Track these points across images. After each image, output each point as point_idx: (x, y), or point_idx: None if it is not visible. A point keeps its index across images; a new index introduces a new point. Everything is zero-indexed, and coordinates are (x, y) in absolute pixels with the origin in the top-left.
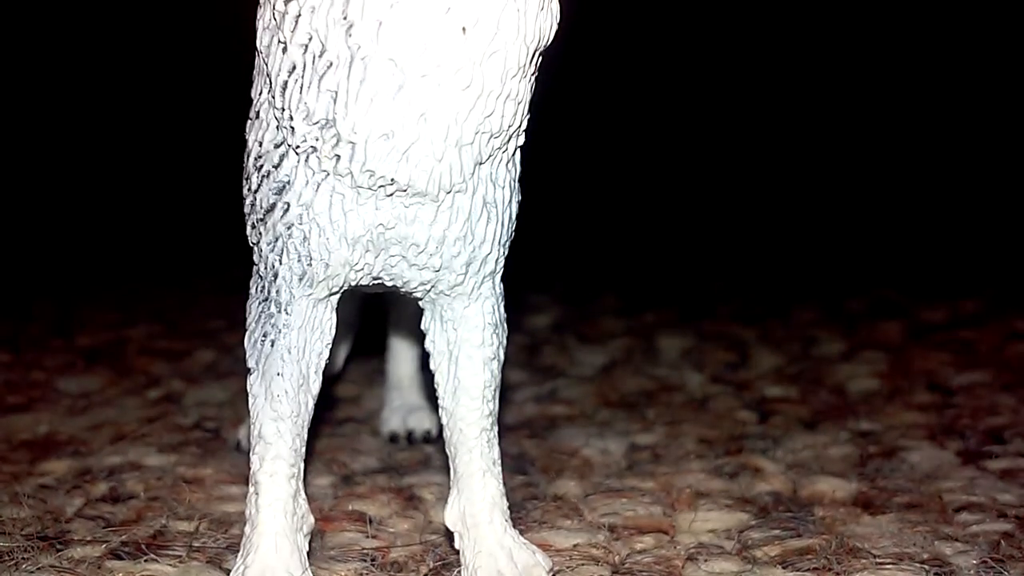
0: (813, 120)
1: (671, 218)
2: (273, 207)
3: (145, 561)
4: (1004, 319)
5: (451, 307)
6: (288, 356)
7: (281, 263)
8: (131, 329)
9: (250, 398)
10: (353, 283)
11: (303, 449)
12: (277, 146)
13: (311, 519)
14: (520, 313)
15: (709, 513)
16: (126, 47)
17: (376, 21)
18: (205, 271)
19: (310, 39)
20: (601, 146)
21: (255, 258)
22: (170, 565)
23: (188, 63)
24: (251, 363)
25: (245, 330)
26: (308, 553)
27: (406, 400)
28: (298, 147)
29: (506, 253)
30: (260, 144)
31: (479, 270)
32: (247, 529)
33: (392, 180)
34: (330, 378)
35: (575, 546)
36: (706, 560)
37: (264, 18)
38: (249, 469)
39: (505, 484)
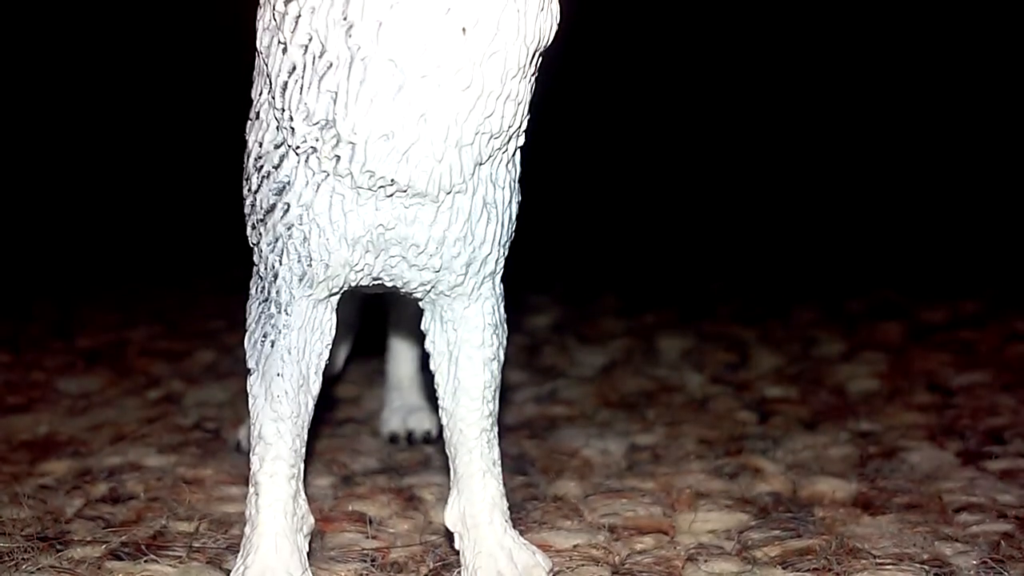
0: (813, 120)
1: (671, 218)
2: (273, 208)
3: (145, 562)
4: (1004, 320)
5: (451, 308)
6: (288, 357)
7: (281, 264)
8: (131, 330)
9: (250, 399)
10: (353, 284)
11: (303, 450)
12: (277, 147)
13: (311, 520)
14: (520, 313)
15: (709, 513)
16: (126, 47)
17: (376, 22)
18: (205, 272)
19: (310, 40)
20: (601, 146)
21: (255, 259)
22: (170, 566)
23: (188, 63)
24: (251, 364)
25: (245, 331)
26: (308, 554)
27: (406, 401)
28: (298, 148)
29: (506, 254)
30: (260, 145)
31: (479, 271)
32: (247, 529)
33: (392, 181)
34: (330, 379)
35: (575, 547)
36: (706, 561)
37: (264, 19)
38: (249, 470)
39: (505, 485)
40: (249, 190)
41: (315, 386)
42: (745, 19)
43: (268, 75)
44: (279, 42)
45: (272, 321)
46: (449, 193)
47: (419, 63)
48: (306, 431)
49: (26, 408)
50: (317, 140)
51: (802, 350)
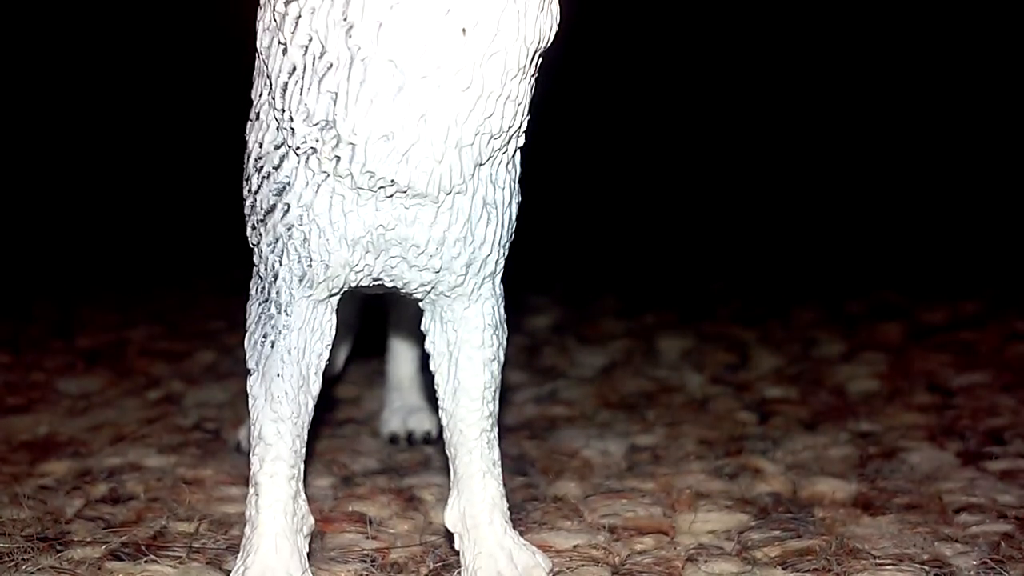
0: (813, 120)
1: (671, 219)
2: (273, 208)
3: (145, 562)
4: (1004, 320)
5: (451, 308)
6: (288, 357)
7: (281, 264)
8: (131, 330)
9: (250, 399)
10: (353, 284)
11: (303, 450)
12: (277, 147)
13: (311, 520)
14: (520, 314)
15: (709, 514)
16: (126, 47)
17: (376, 22)
18: (205, 272)
19: (310, 40)
20: (601, 147)
21: (255, 259)
22: (170, 566)
23: (188, 64)
24: (251, 364)
25: (245, 331)
26: (308, 554)
27: (406, 401)
28: (298, 148)
29: (506, 254)
30: (260, 145)
31: (479, 271)
32: (247, 530)
33: (392, 181)
34: (330, 379)
35: (575, 547)
36: (706, 561)
37: (264, 19)
38: (249, 470)
39: (505, 485)
40: (249, 191)
41: (315, 387)
42: (745, 19)
43: (268, 76)
44: (279, 43)
45: (272, 322)
46: (449, 194)
47: (419, 64)
48: (306, 432)
49: (26, 409)
50: (317, 141)
51: (802, 351)
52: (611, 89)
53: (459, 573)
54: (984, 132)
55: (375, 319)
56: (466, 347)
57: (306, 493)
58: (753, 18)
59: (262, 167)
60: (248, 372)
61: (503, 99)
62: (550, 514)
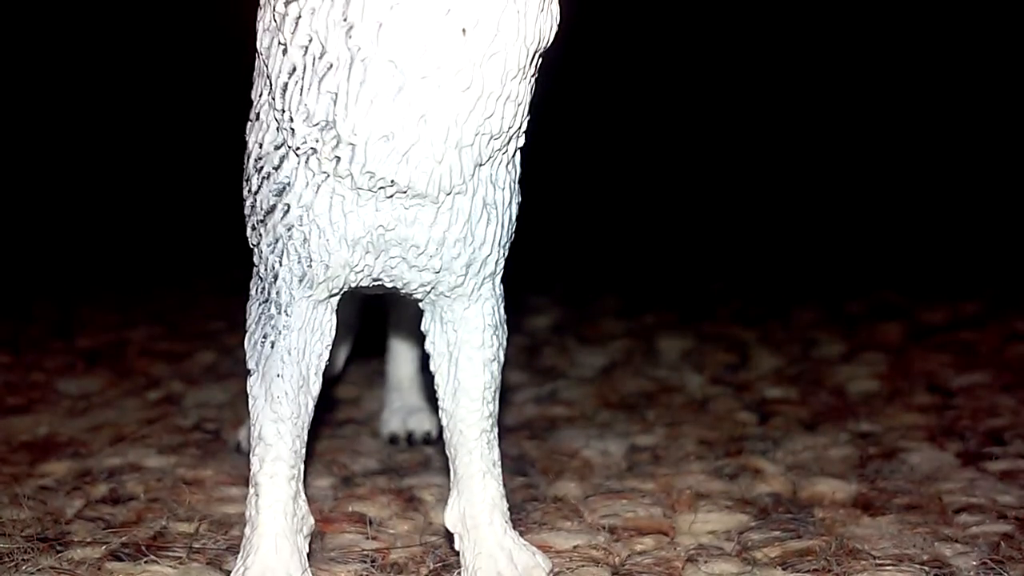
0: (813, 120)
1: (671, 220)
2: (273, 209)
3: (145, 562)
4: (1004, 320)
5: (451, 308)
6: (288, 358)
7: (281, 264)
8: (131, 330)
9: (250, 399)
10: (353, 285)
11: (303, 451)
12: (277, 148)
13: (311, 520)
14: (520, 314)
15: (709, 514)
16: (126, 47)
17: (376, 23)
18: (205, 272)
19: (310, 41)
20: (601, 147)
21: (255, 260)
22: (170, 566)
23: (188, 64)
24: (251, 364)
25: (245, 331)
26: (308, 554)
27: (406, 401)
28: (298, 149)
29: (506, 254)
30: (260, 146)
31: (479, 271)
32: (247, 530)
33: (392, 182)
34: (330, 380)
35: (575, 547)
36: (706, 561)
37: (264, 20)
38: (249, 470)
39: (505, 485)
40: (249, 191)
41: (315, 387)
42: (745, 19)
43: (268, 76)
44: (279, 43)
45: (272, 322)
46: (449, 194)
47: (419, 64)
48: (306, 432)
49: (26, 409)
50: (317, 141)
51: (802, 351)
52: (611, 89)
53: (459, 573)
54: (984, 132)
55: (375, 319)
56: (466, 347)
57: (306, 493)
58: (753, 18)
59: (262, 167)
60: (248, 372)
61: (503, 99)
62: (550, 514)
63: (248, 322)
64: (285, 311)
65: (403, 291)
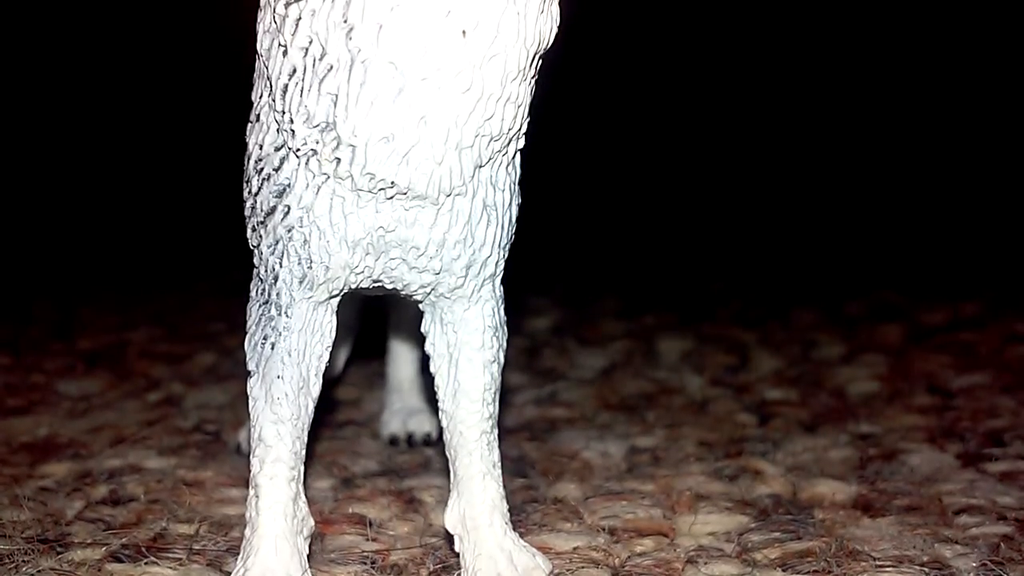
0: (813, 121)
1: (671, 221)
2: (273, 210)
3: (145, 564)
4: (1004, 321)
5: (451, 310)
6: (288, 359)
7: (281, 266)
8: (131, 332)
9: (250, 401)
10: (353, 286)
11: (303, 452)
12: (277, 149)
13: (311, 522)
14: (520, 316)
15: (709, 516)
16: (126, 48)
17: (376, 24)
18: (205, 274)
19: (310, 42)
20: (601, 148)
21: (255, 261)
22: (170, 568)
23: (189, 65)
24: (251, 366)
25: (245, 333)
26: (308, 556)
27: (406, 403)
28: (298, 150)
29: (506, 256)
30: (260, 147)
31: (479, 273)
32: (247, 532)
33: (392, 183)
34: (330, 381)
35: (575, 549)
36: (706, 563)
37: (264, 21)
38: (249, 472)
39: (505, 487)
40: (249, 192)
41: (315, 388)
42: (745, 19)
43: (268, 78)
44: (279, 45)
45: (272, 323)
46: (449, 195)
47: (419, 66)
48: (306, 433)
49: (26, 410)
50: (317, 142)
51: (802, 352)
52: (611, 90)
53: (459, 575)
54: (984, 132)
55: (375, 321)
56: (466, 349)
57: (306, 495)
58: (753, 18)
59: (262, 169)
60: (248, 374)
61: (503, 101)
62: (550, 516)
63: (248, 324)
64: (285, 312)
65: (403, 292)
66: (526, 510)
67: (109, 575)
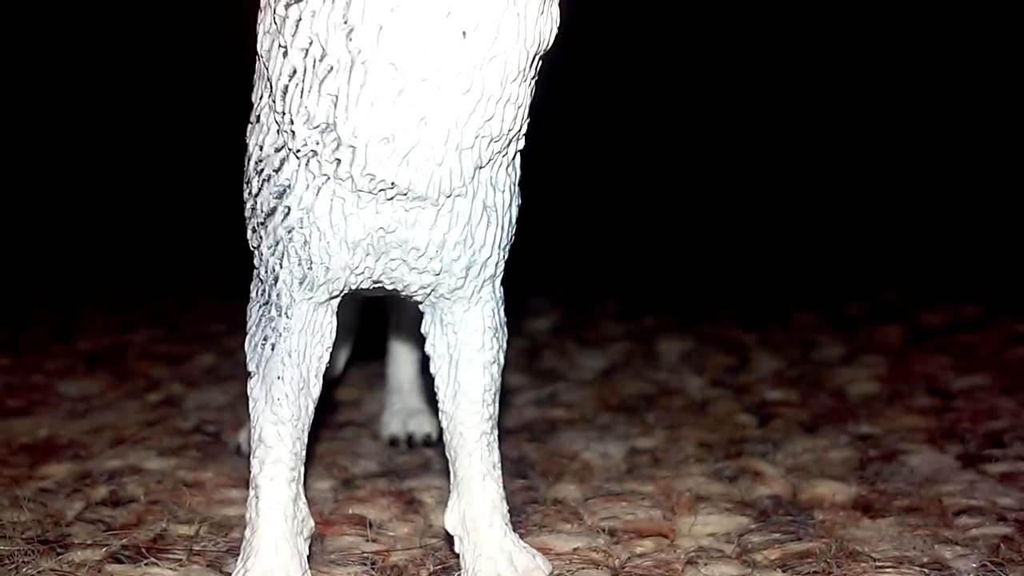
0: (813, 121)
1: (671, 221)
2: (274, 211)
3: (145, 565)
4: (1004, 322)
5: (451, 311)
6: (288, 360)
7: (282, 267)
8: (131, 333)
9: (250, 402)
10: (353, 287)
11: (303, 453)
12: (278, 150)
13: (311, 523)
14: (520, 317)
15: (709, 517)
16: (126, 49)
17: (377, 25)
18: (205, 274)
19: (311, 43)
20: (601, 149)
21: (255, 262)
22: (170, 569)
23: (189, 66)
24: (251, 367)
25: (245, 334)
26: (308, 557)
27: (406, 404)
28: (299, 151)
29: (506, 257)
30: (261, 148)
31: (479, 274)
32: (247, 533)
33: (392, 184)
34: (330, 382)
35: (575, 550)
36: (706, 564)
37: (265, 22)
38: (249, 473)
39: (505, 488)
40: (250, 193)
41: (315, 389)
42: (745, 20)
43: (269, 79)
44: (280, 46)
45: (272, 324)
46: (449, 196)
47: (419, 67)
48: (306, 434)
49: (26, 411)
50: (318, 143)
51: (802, 353)
52: (611, 91)
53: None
54: (984, 132)
55: (375, 322)
56: (466, 350)
57: (306, 496)
58: (753, 18)
59: (263, 170)
60: (248, 375)
61: (503, 102)
62: (550, 517)
63: (248, 324)
64: (285, 313)
65: (403, 293)
66: (526, 511)
67: None
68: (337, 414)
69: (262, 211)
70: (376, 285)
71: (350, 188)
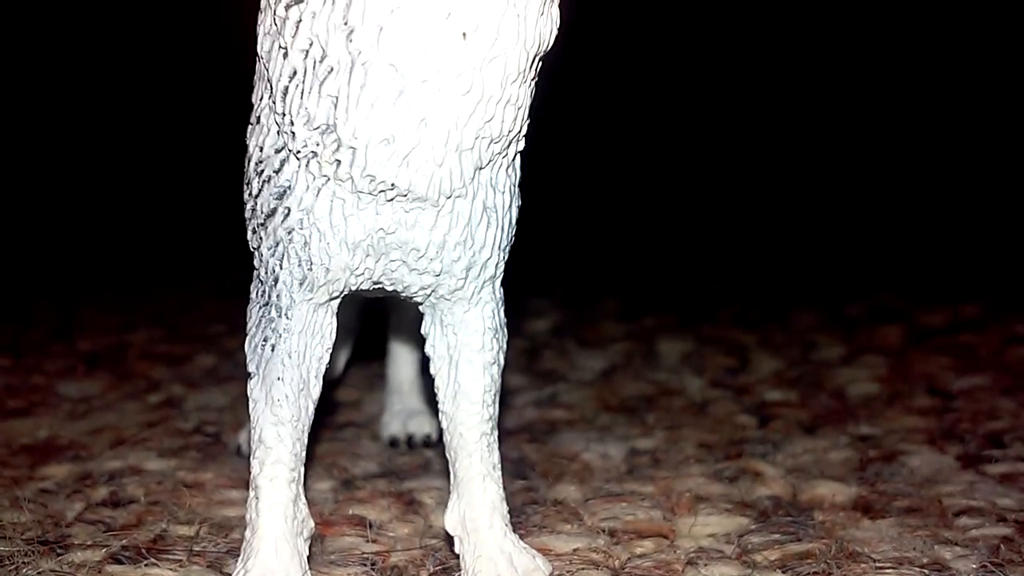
0: (813, 122)
1: (671, 222)
2: (274, 212)
3: (145, 565)
4: (1004, 323)
5: (451, 311)
6: (288, 360)
7: (282, 268)
8: (132, 333)
9: (250, 402)
10: (353, 288)
11: (303, 453)
12: (278, 151)
13: (311, 523)
14: (520, 317)
15: (709, 517)
16: (127, 49)
17: (377, 26)
18: (206, 275)
19: (311, 44)
20: (601, 150)
21: (256, 263)
22: (170, 569)
23: (189, 67)
24: (251, 367)
25: (245, 334)
26: (308, 557)
27: (406, 404)
28: (299, 152)
29: (506, 258)
30: (261, 149)
31: (479, 275)
32: (247, 533)
33: (392, 185)
34: (330, 382)
35: (575, 550)
36: (706, 564)
37: (265, 23)
38: (249, 473)
39: (505, 488)
40: (250, 194)
41: (315, 390)
42: (745, 21)
43: (269, 80)
44: (280, 47)
45: (272, 325)
46: (449, 197)
47: (420, 68)
48: (306, 435)
49: (26, 412)
50: (318, 144)
51: (802, 354)
52: (611, 92)
53: None
54: (984, 133)
55: (375, 323)
56: (466, 350)
57: (306, 496)
58: (753, 19)
59: (263, 171)
60: (248, 376)
61: (503, 103)
62: (550, 517)
63: (248, 325)
64: (285, 314)
65: (403, 294)
66: (526, 512)
67: None
68: (337, 415)
69: (262, 212)
70: (376, 286)
71: (350, 189)
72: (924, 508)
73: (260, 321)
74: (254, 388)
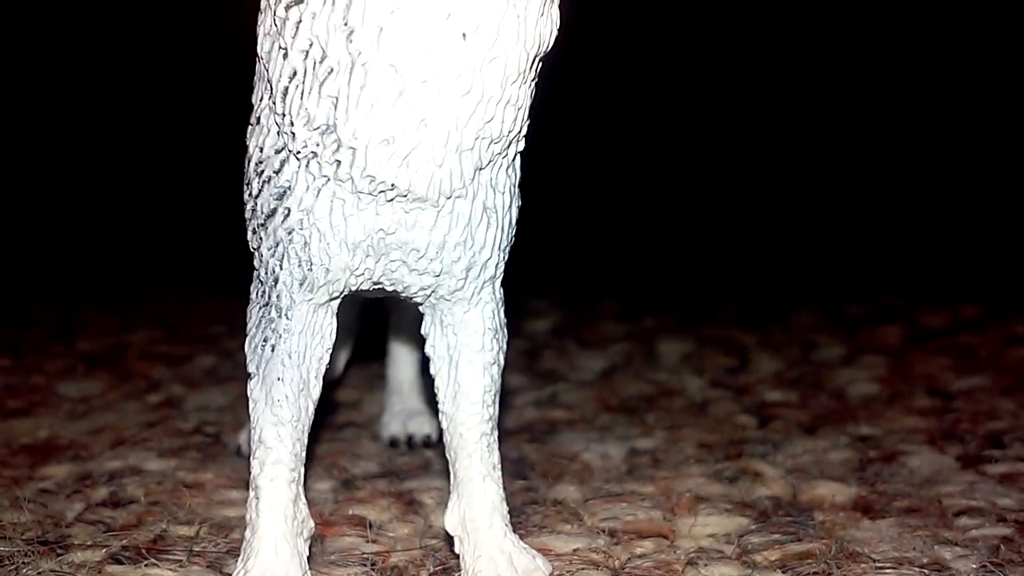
0: (813, 122)
1: (671, 222)
2: (274, 212)
3: (145, 566)
4: (1004, 323)
5: (451, 312)
6: (288, 361)
7: (282, 268)
8: (132, 334)
9: (250, 403)
10: (353, 288)
11: (303, 454)
12: (278, 152)
13: (311, 523)
14: (520, 318)
15: (709, 517)
16: (127, 50)
17: (377, 27)
18: (206, 275)
19: (311, 45)
20: (601, 151)
21: (256, 263)
22: (170, 570)
23: (189, 68)
24: (251, 368)
25: (245, 335)
26: (308, 557)
27: (406, 405)
28: (299, 153)
29: (506, 258)
30: (261, 150)
31: (479, 275)
32: (247, 533)
33: (392, 185)
34: (330, 383)
35: (575, 551)
36: (706, 564)
37: (265, 24)
38: (249, 474)
39: (505, 488)
40: (250, 195)
41: (315, 390)
42: (745, 21)
43: (269, 80)
44: (280, 47)
45: (272, 325)
46: (449, 198)
47: (420, 68)
48: (306, 435)
49: (27, 412)
50: (318, 145)
51: (802, 354)
52: (611, 92)
53: None
54: (984, 133)
55: (375, 323)
56: (466, 351)
57: (306, 497)
58: (753, 19)
59: (263, 171)
60: (248, 376)
61: (503, 104)
62: (550, 518)
63: (248, 326)
64: (285, 315)
65: (403, 295)
66: (526, 512)
67: None
68: (337, 415)
69: (262, 212)
70: (376, 286)
71: (350, 190)
72: (924, 508)
73: (260, 321)
74: (254, 388)
